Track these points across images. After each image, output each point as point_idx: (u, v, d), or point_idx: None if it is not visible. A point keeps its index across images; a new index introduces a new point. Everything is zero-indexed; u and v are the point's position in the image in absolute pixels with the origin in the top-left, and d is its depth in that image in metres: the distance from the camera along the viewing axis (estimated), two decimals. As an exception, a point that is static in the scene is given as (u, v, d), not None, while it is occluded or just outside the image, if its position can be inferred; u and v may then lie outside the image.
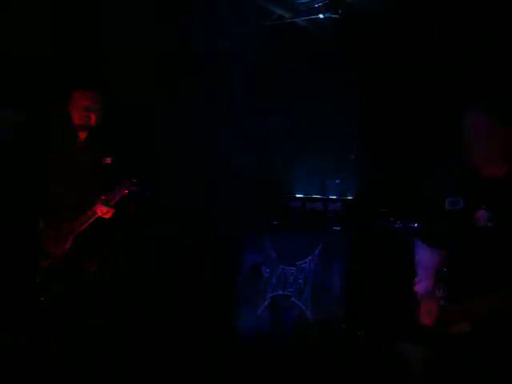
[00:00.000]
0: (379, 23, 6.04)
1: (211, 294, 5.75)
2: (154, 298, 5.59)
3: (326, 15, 6.03)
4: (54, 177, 4.36)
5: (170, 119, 5.97)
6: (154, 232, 5.86)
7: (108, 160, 4.30)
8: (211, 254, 6.00)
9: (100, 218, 4.19)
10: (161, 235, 5.95)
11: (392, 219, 5.47)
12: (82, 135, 4.36)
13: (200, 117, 6.09)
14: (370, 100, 6.19)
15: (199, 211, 6.03)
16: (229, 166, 6.16)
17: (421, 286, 3.29)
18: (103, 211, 4.14)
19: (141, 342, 5.06)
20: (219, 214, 6.10)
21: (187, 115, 6.07)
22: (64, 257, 4.25)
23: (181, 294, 5.76)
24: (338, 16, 6.00)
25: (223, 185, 6.16)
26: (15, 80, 5.20)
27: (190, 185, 6.04)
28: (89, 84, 4.44)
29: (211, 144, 6.15)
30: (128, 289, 4.81)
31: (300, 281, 5.38)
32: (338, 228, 5.57)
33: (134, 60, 5.67)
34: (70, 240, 4.22)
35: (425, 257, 3.32)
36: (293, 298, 5.39)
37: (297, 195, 6.17)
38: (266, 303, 5.54)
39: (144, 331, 5.23)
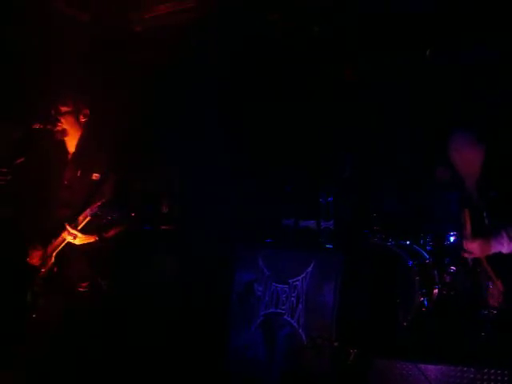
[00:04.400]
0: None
1: (203, 311, 5.75)
2: (146, 316, 5.59)
3: None
4: None
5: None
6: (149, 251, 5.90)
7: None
8: (204, 272, 5.99)
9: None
10: (155, 253, 5.98)
11: (384, 237, 5.50)
12: None
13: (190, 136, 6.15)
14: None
15: (193, 228, 6.05)
16: (222, 186, 6.19)
17: None
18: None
19: (132, 357, 5.06)
20: (212, 233, 6.11)
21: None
22: (54, 276, 4.28)
23: (173, 312, 5.75)
24: None
25: (216, 203, 6.17)
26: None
27: (184, 202, 6.07)
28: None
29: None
30: (119, 307, 4.82)
31: (293, 299, 5.38)
32: (331, 246, 5.60)
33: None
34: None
35: None
36: (285, 316, 5.39)
37: (290, 213, 6.18)
38: (258, 321, 5.54)
39: (136, 346, 5.23)
